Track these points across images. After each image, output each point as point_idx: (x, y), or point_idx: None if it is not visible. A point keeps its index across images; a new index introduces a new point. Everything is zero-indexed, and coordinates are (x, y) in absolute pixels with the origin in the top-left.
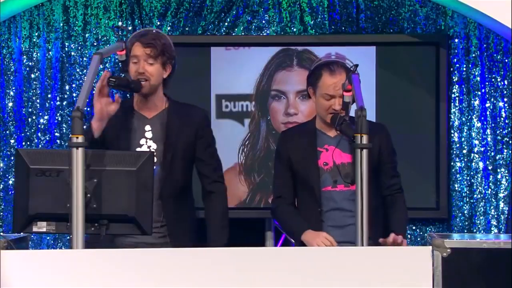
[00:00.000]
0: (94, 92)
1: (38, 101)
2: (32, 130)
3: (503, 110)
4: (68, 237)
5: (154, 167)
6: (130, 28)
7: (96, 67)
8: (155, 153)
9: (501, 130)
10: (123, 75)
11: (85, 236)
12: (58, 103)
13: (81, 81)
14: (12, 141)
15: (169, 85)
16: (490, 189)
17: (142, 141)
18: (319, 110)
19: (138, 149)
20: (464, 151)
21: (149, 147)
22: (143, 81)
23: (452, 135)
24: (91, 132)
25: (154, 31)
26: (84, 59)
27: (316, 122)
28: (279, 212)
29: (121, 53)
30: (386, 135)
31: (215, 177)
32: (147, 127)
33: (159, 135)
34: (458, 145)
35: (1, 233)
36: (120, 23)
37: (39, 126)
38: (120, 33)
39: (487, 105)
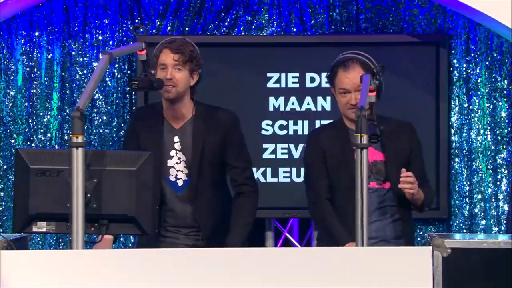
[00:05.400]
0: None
1: (38, 101)
2: (32, 130)
3: (503, 110)
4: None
5: (186, 178)
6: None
7: (104, 67)
8: (185, 165)
9: (501, 130)
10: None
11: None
12: (59, 103)
13: (81, 81)
14: (12, 141)
15: (195, 93)
16: (490, 189)
17: (172, 152)
18: (340, 108)
19: (169, 161)
20: (464, 151)
21: (179, 158)
22: (170, 87)
23: (452, 135)
24: None
25: (181, 38)
26: (84, 59)
27: (345, 121)
28: (320, 216)
29: (141, 53)
30: (415, 134)
31: (242, 179)
32: (176, 138)
33: (188, 145)
34: (458, 145)
35: (1, 233)
36: (120, 24)
37: (39, 126)
38: (139, 33)
39: (487, 105)
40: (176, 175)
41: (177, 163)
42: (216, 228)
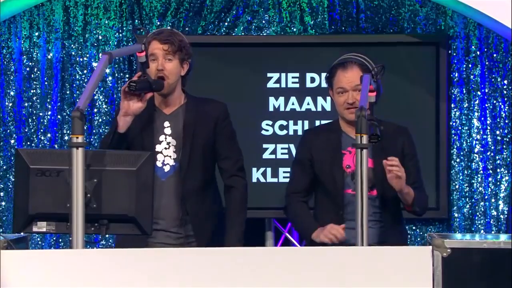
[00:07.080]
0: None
1: (38, 101)
2: (32, 130)
3: (503, 110)
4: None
5: (174, 163)
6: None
7: (104, 67)
8: (174, 150)
9: (501, 130)
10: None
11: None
12: (59, 103)
13: (81, 81)
14: (12, 141)
15: (186, 83)
16: (490, 189)
17: (162, 137)
18: (337, 108)
19: (158, 146)
20: (464, 151)
21: (168, 143)
22: (162, 80)
23: (452, 135)
24: (115, 126)
25: (169, 29)
26: (84, 59)
27: (340, 123)
28: (291, 209)
29: (140, 54)
30: (409, 138)
31: (233, 171)
32: (166, 123)
33: (178, 131)
34: (458, 145)
35: (1, 233)
36: (120, 24)
37: (39, 126)
38: (139, 34)
39: (487, 105)
40: (163, 160)
41: (165, 148)
42: (206, 223)
